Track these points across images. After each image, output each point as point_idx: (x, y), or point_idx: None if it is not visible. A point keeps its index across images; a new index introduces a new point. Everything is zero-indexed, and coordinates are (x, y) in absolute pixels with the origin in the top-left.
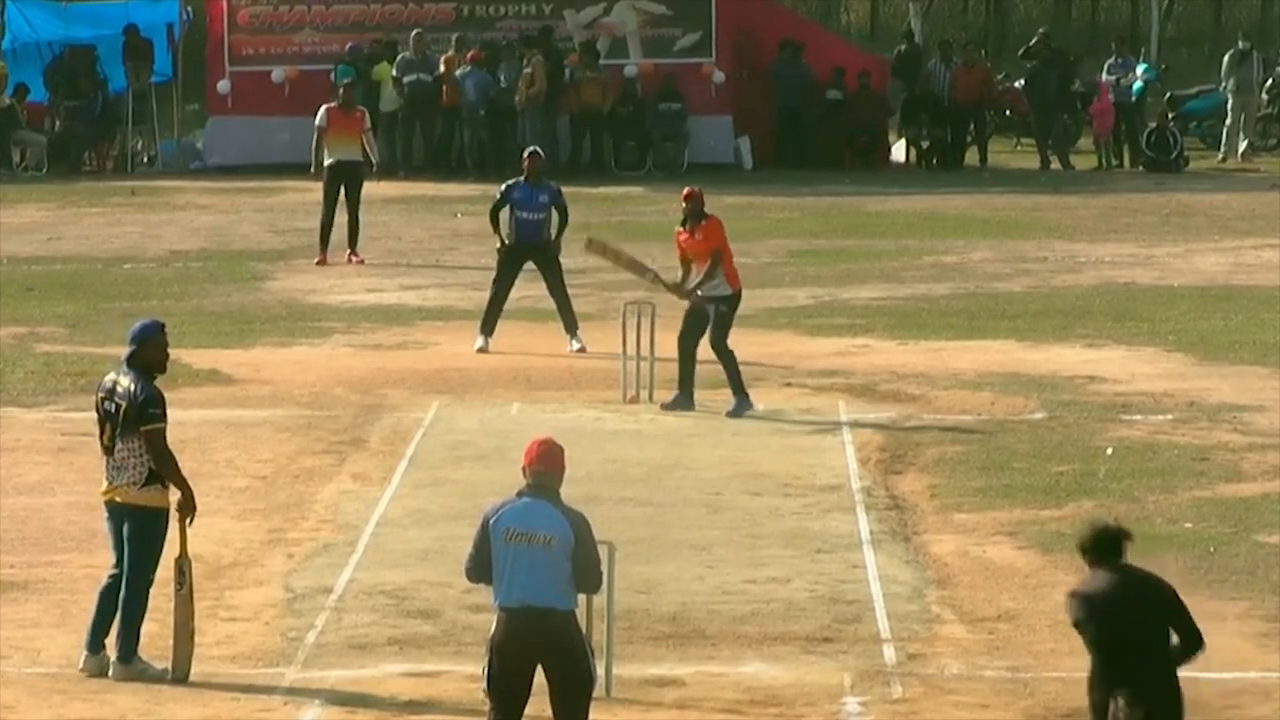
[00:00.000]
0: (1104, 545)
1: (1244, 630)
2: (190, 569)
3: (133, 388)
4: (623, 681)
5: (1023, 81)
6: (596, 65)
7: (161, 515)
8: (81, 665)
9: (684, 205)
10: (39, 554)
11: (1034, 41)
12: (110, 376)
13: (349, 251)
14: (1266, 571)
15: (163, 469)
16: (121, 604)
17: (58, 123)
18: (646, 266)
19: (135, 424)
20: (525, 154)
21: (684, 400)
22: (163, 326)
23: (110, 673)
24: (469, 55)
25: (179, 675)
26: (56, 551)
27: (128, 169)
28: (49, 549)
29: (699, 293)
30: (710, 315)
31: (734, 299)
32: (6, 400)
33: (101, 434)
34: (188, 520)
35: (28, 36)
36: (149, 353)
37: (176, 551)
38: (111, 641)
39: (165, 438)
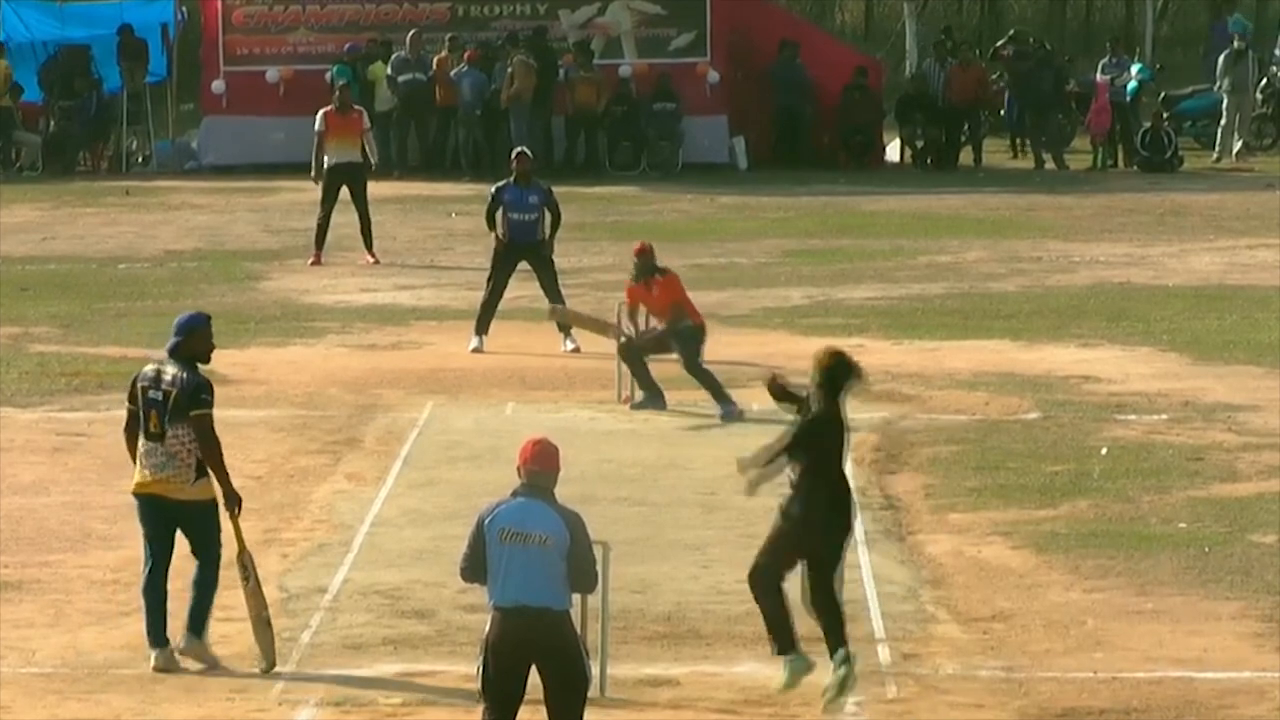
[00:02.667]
0: (833, 378)
1: (1239, 630)
2: (253, 562)
3: (183, 375)
4: (617, 681)
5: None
6: (591, 65)
7: (215, 504)
8: (153, 663)
9: (634, 260)
10: (33, 554)
11: (1001, 42)
12: (152, 366)
13: (367, 254)
14: (1261, 571)
15: (208, 454)
16: (198, 585)
17: (52, 123)
18: (609, 324)
19: (186, 409)
20: (513, 155)
21: (654, 399)
22: (209, 318)
23: (181, 642)
24: (465, 55)
25: (268, 665)
26: (51, 552)
27: (122, 169)
28: (43, 549)
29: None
30: (670, 343)
31: (699, 330)
32: (1, 400)
33: (147, 422)
34: (235, 513)
35: (22, 36)
36: (196, 343)
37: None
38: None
39: (213, 424)
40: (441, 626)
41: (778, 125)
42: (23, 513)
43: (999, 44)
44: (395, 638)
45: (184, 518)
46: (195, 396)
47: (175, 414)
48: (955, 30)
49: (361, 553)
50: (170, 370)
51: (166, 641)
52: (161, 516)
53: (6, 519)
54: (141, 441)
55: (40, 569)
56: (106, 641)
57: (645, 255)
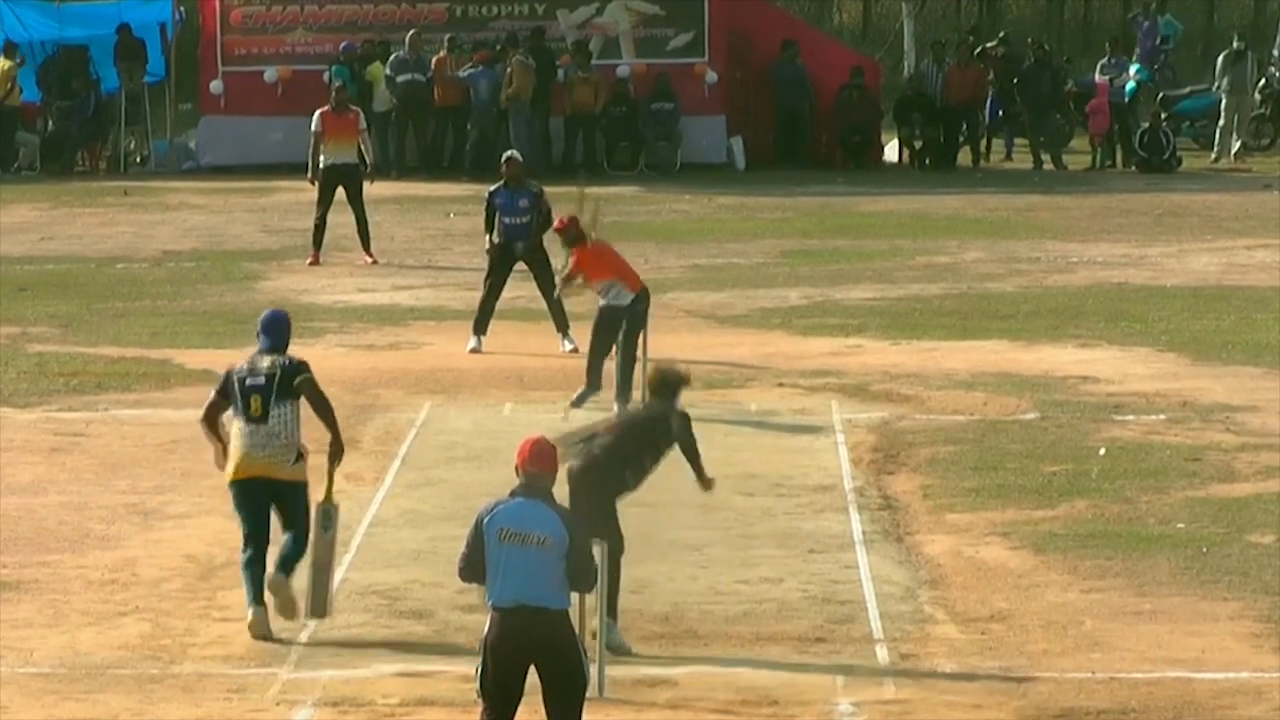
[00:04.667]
0: (660, 389)
1: (1237, 630)
2: (337, 513)
3: (280, 359)
4: (615, 682)
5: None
6: (589, 65)
7: (306, 486)
8: (249, 617)
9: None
10: (31, 554)
11: (992, 44)
12: (244, 362)
13: (365, 254)
14: (1259, 572)
15: (322, 408)
16: (294, 541)
17: (50, 123)
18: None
19: (291, 383)
20: (503, 159)
21: (589, 395)
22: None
23: (268, 581)
24: (477, 56)
25: (317, 614)
26: (49, 552)
27: (121, 169)
28: (41, 549)
29: (603, 302)
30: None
31: (643, 294)
32: None
33: (248, 408)
34: (336, 464)
35: (20, 36)
36: (286, 335)
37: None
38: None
39: (317, 384)
40: (439, 627)
41: (780, 125)
42: (21, 513)
43: (989, 44)
44: (393, 638)
45: (282, 495)
46: (298, 370)
47: (281, 392)
48: (953, 30)
49: (359, 553)
50: (266, 358)
51: (264, 602)
52: (262, 497)
53: (4, 519)
54: (241, 426)
55: (38, 569)
56: (104, 641)
57: (562, 232)
